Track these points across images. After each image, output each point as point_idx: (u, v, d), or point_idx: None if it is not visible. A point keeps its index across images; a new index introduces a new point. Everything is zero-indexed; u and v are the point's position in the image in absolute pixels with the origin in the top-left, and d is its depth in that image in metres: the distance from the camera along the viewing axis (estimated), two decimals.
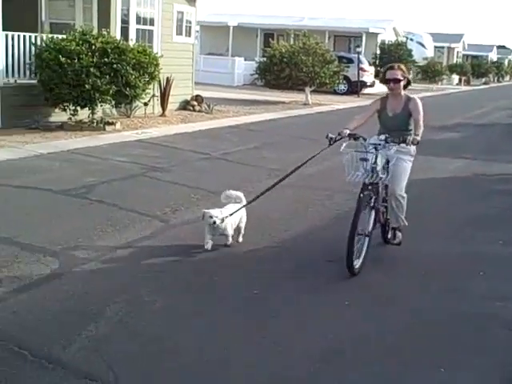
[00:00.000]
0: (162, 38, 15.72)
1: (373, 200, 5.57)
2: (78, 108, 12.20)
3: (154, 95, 14.76)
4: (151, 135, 12.45)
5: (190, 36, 17.35)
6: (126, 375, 3.77)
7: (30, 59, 12.21)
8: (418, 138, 5.47)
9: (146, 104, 14.28)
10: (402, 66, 5.89)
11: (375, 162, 5.43)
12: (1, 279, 5.00)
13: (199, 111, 16.69)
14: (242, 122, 15.44)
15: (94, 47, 11.74)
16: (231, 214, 5.77)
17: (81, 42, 11.73)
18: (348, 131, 5.55)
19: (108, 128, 12.48)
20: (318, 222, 7.18)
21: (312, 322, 4.68)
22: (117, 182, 8.43)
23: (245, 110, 18.18)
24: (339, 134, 5.51)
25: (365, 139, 5.52)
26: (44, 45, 12.03)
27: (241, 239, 6.11)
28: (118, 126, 12.88)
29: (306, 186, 8.55)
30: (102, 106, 12.61)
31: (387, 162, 5.62)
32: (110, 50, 11.85)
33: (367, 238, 5.57)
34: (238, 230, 6.06)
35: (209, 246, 5.75)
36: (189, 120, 15.16)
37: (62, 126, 12.22)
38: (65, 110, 12.24)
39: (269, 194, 6.06)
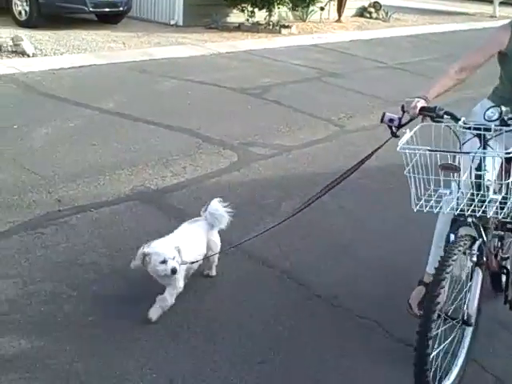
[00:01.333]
0: None
1: (477, 247, 2.79)
2: (256, 10, 12.26)
3: (330, 0, 14.43)
4: (326, 40, 12.24)
5: None
6: (301, 266, 3.88)
7: None
8: None
9: (322, 9, 14.02)
10: None
11: (482, 169, 2.78)
12: (185, 167, 5.30)
13: (376, 19, 16.06)
14: (420, 32, 14.66)
15: None
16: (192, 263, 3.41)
17: None
18: (421, 103, 2.88)
19: (284, 31, 12.45)
20: None
21: None
22: (292, 85, 8.44)
23: (424, 19, 17.19)
24: (404, 111, 2.91)
25: (457, 119, 2.77)
26: None
27: (214, 272, 3.70)
28: (293, 29, 12.78)
29: None
30: (278, 8, 12.60)
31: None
32: None
33: (468, 329, 2.90)
34: (207, 262, 3.63)
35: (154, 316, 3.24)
36: (365, 27, 14.67)
37: (238, 27, 12.37)
38: (243, 11, 12.36)
39: None
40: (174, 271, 3.14)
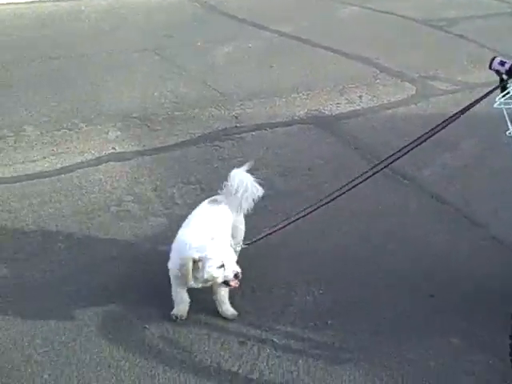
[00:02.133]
0: None
1: None
2: None
3: None
4: None
5: None
6: (477, 206, 3.69)
7: None
8: None
9: None
10: None
11: None
12: (361, 96, 5.21)
13: None
14: None
15: None
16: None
17: None
18: None
19: None
20: None
21: None
22: (480, 20, 7.86)
23: None
24: None
25: None
26: None
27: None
28: None
29: None
30: None
31: None
32: None
33: None
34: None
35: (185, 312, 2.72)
36: None
37: None
38: None
39: None
40: (237, 275, 2.55)
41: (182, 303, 2.69)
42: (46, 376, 2.40)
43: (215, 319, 2.70)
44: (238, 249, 2.65)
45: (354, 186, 2.77)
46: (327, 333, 2.64)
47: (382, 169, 2.85)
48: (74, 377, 2.39)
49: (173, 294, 2.70)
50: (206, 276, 2.51)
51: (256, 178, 3.78)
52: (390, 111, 4.97)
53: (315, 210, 2.85)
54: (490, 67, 2.51)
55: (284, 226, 2.88)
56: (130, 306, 2.77)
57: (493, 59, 2.49)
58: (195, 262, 2.48)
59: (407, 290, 2.95)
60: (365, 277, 3.02)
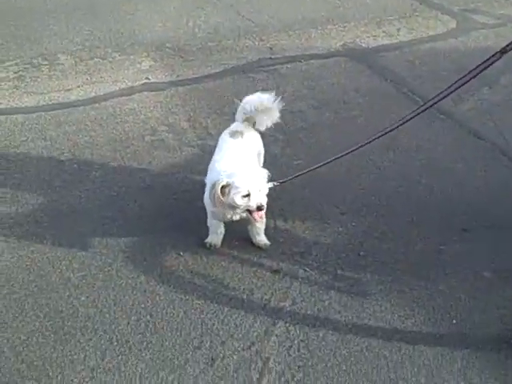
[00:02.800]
0: None
1: None
2: None
3: None
4: None
5: None
6: None
7: None
8: None
9: None
10: None
11: None
12: (399, 29, 5.07)
13: None
14: None
15: None
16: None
17: None
18: None
19: None
20: None
21: None
22: None
23: None
24: None
25: None
26: None
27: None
28: None
29: None
30: None
31: None
32: None
33: None
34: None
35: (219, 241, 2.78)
36: None
37: None
38: None
39: None
40: (260, 208, 2.52)
41: (216, 232, 2.74)
42: (83, 298, 2.46)
43: (248, 249, 2.73)
44: (270, 186, 2.65)
45: (397, 127, 2.70)
46: (359, 264, 2.66)
47: (422, 111, 2.72)
48: (111, 300, 2.45)
49: (208, 222, 2.74)
50: (229, 201, 2.49)
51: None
52: (428, 45, 4.83)
53: (354, 150, 2.79)
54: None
55: (316, 168, 2.84)
56: (164, 233, 2.81)
57: None
58: (224, 187, 2.49)
59: (440, 223, 2.93)
60: (398, 210, 3.01)
